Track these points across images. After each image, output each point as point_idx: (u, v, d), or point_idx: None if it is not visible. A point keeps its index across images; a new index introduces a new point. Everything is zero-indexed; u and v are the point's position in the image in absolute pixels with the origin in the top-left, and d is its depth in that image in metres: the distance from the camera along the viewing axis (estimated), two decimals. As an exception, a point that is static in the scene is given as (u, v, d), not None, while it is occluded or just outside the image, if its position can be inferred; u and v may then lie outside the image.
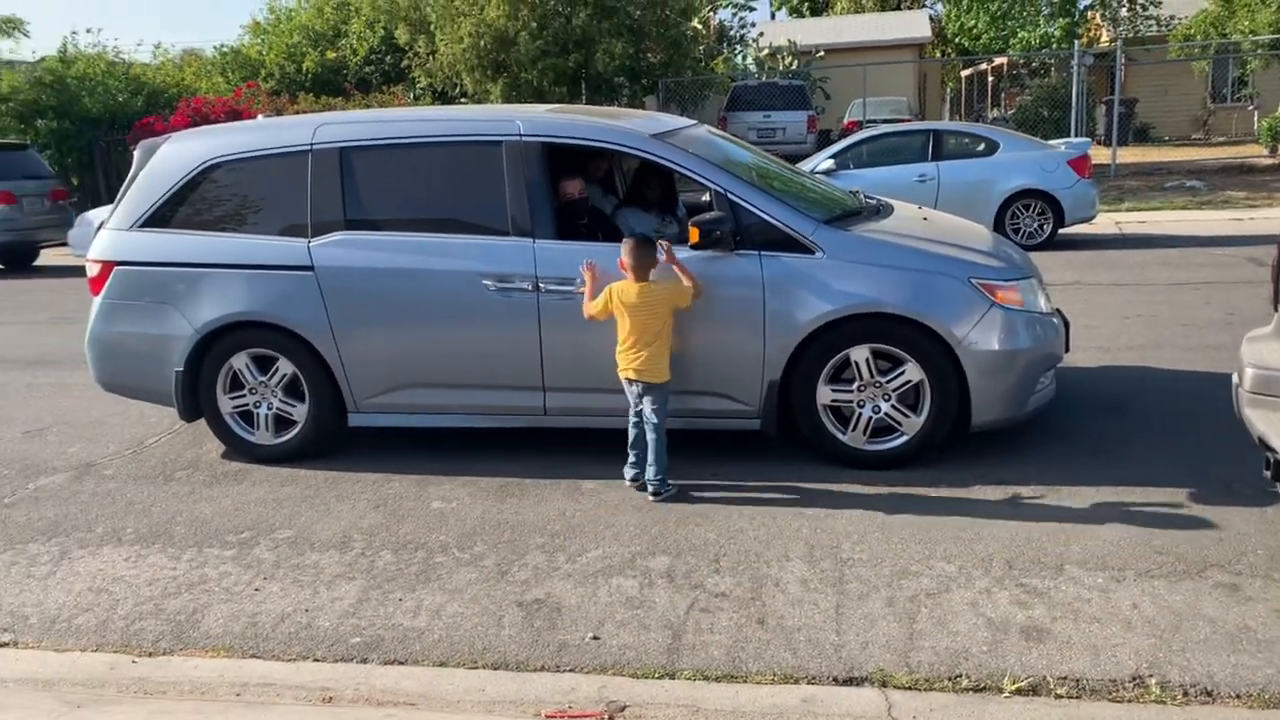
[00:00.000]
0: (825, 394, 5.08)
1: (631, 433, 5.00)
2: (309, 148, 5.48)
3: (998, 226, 11.81)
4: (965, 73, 35.42)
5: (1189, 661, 3.31)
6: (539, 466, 5.41)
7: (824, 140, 21.73)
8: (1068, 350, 5.50)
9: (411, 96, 25.07)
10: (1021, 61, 29.13)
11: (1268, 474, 3.93)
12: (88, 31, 44.07)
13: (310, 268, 5.39)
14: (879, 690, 3.27)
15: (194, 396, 5.67)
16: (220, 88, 27.34)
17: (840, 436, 5.13)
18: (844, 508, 4.69)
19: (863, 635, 3.59)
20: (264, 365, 5.61)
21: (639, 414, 4.95)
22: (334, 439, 5.71)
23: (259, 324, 5.51)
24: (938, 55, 37.47)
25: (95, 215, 14.10)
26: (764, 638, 3.61)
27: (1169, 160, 21.19)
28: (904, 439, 5.08)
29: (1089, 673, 3.28)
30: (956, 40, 33.17)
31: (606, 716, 3.21)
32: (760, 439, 5.28)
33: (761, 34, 31.10)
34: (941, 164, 12.49)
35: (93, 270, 5.78)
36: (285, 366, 5.54)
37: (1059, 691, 3.20)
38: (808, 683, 3.34)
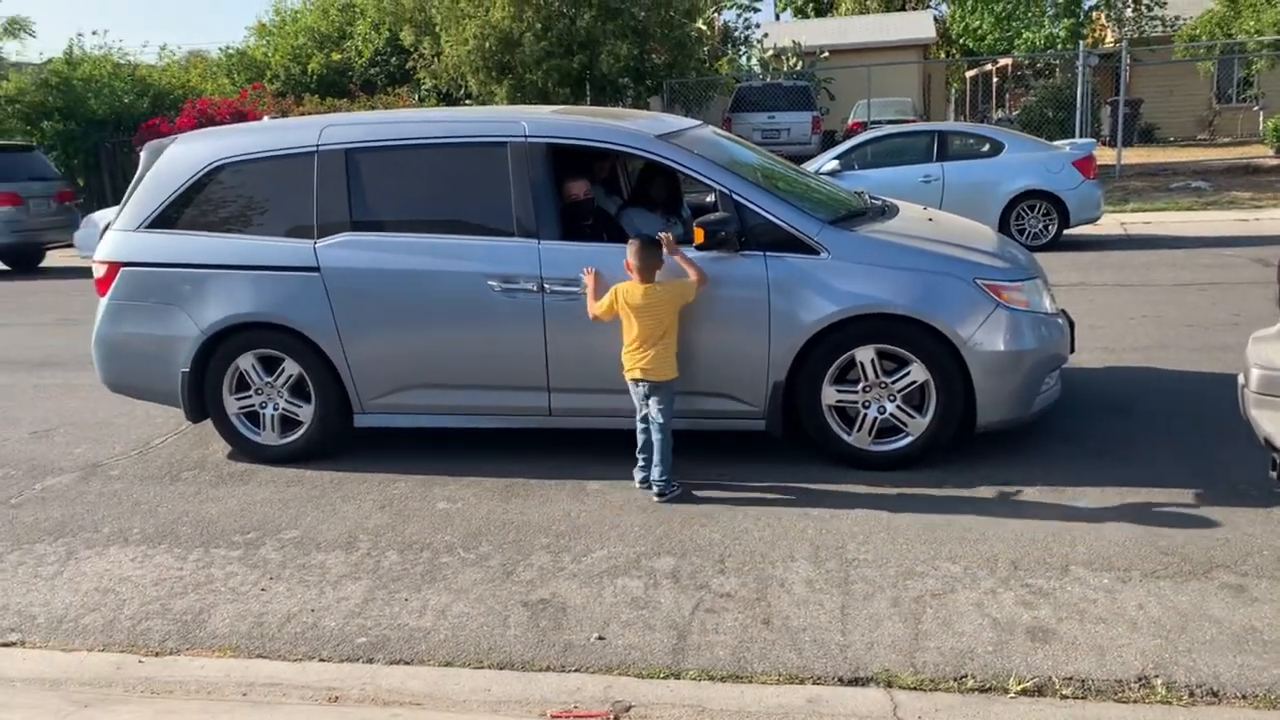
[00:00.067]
0: (830, 395, 5.08)
1: (640, 438, 5.01)
2: (314, 149, 5.49)
3: (1003, 227, 11.80)
4: (970, 73, 35.41)
5: (1195, 662, 3.30)
6: (544, 467, 5.41)
7: (828, 141, 21.72)
8: (1073, 351, 5.49)
9: (416, 98, 25.12)
10: (1026, 62, 29.12)
11: (1274, 474, 3.93)
12: (94, 33, 44.32)
13: (316, 269, 5.40)
14: (884, 690, 3.27)
15: (200, 397, 5.68)
16: (226, 89, 27.43)
17: (845, 437, 5.13)
18: (849, 508, 4.69)
19: (868, 635, 3.59)
20: (270, 366, 5.62)
21: (645, 417, 4.96)
22: (340, 440, 5.72)
23: (265, 325, 5.52)
24: (942, 56, 37.46)
25: (101, 217, 14.14)
26: (769, 638, 3.61)
27: (1174, 161, 21.16)
28: (909, 440, 5.08)
29: (1095, 673, 3.28)
30: (961, 41, 33.15)
31: (612, 716, 3.22)
32: (765, 440, 5.29)
33: (766, 35, 31.09)
34: (946, 165, 12.49)
35: (99, 271, 5.79)
36: (291, 367, 5.56)
37: (1064, 692, 3.19)
38: (813, 683, 3.34)
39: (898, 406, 5.05)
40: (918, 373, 4.97)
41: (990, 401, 4.99)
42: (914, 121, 22.10)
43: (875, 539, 4.35)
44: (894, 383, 5.01)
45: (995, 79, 32.00)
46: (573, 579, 4.15)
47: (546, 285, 5.16)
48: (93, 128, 22.59)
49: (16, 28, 27.82)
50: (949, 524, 4.46)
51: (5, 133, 22.22)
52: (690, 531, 4.53)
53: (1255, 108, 26.38)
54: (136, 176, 5.86)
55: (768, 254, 5.04)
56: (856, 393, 5.07)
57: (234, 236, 5.58)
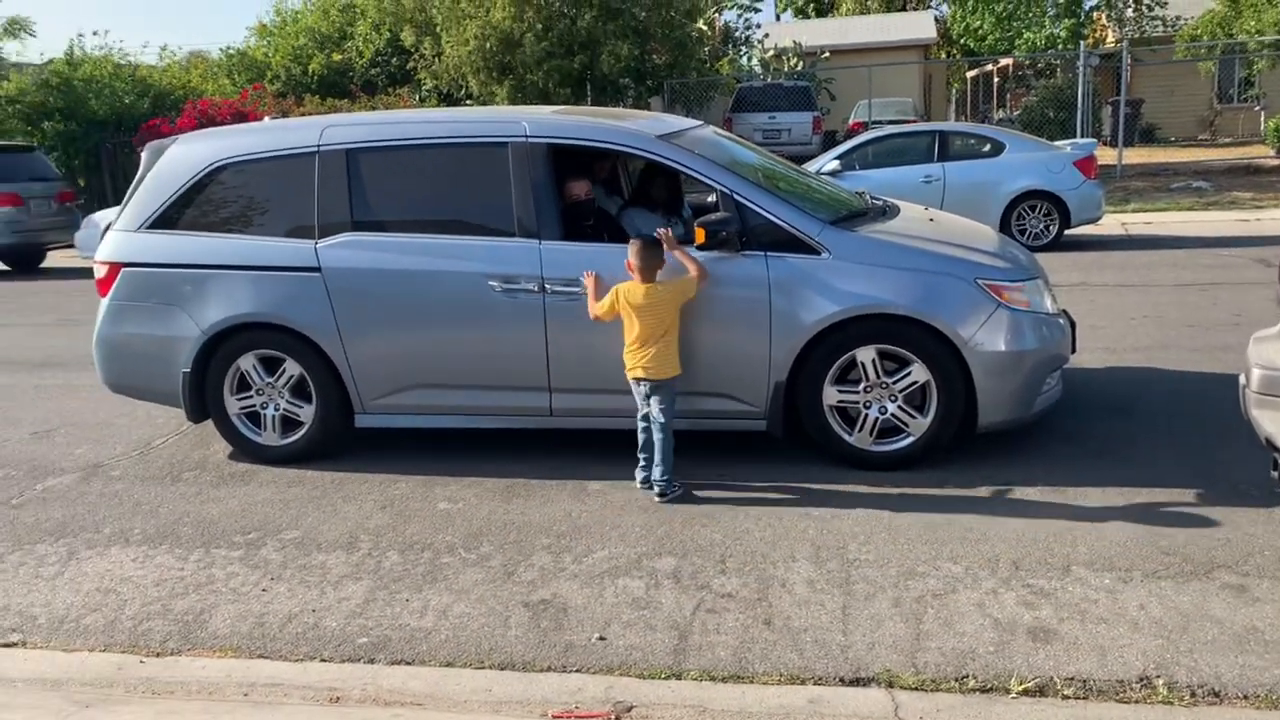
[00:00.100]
0: (831, 395, 5.08)
1: (641, 437, 5.01)
2: (316, 149, 5.49)
3: (1004, 227, 11.80)
4: (971, 74, 35.41)
5: (1196, 662, 3.30)
6: (545, 467, 5.41)
7: (829, 141, 21.73)
8: (1074, 351, 5.49)
9: (417, 98, 25.12)
10: (1027, 62, 29.13)
11: (1275, 474, 3.93)
12: (94, 34, 44.35)
13: (317, 269, 5.40)
14: (886, 691, 3.27)
15: (201, 398, 5.68)
16: (226, 90, 27.43)
17: (846, 437, 5.13)
18: (850, 508, 4.68)
19: (869, 636, 3.58)
20: (271, 366, 5.62)
21: (646, 417, 4.96)
22: (341, 440, 5.72)
23: (266, 325, 5.52)
24: (943, 56, 37.46)
25: (102, 217, 14.13)
26: (770, 638, 3.61)
27: (1175, 161, 21.15)
28: (910, 440, 5.08)
29: (1096, 674, 3.28)
30: (962, 41, 33.16)
31: (613, 717, 3.22)
32: (766, 440, 5.28)
33: (766, 35, 31.11)
34: (947, 165, 12.49)
35: (100, 272, 5.80)
36: (292, 368, 5.56)
37: (1066, 692, 3.19)
38: (814, 683, 3.34)
39: (899, 407, 5.05)
40: (919, 373, 4.97)
41: (991, 402, 4.99)
42: (915, 122, 22.10)
43: (876, 539, 4.35)
44: (895, 383, 5.01)
45: (996, 79, 32.00)
46: (574, 579, 4.15)
47: (548, 285, 5.16)
48: (93, 128, 22.60)
49: (17, 28, 27.84)
50: (950, 524, 4.46)
51: (6, 133, 22.24)
52: (691, 532, 4.53)
53: (1256, 108, 26.37)
54: (137, 177, 5.86)
55: (769, 254, 5.04)
56: (858, 393, 5.07)
57: (235, 237, 5.58)
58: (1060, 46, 26.64)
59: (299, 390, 5.62)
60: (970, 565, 4.07)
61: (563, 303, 5.15)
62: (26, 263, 16.24)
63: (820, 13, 45.93)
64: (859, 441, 5.12)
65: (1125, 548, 4.14)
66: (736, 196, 5.11)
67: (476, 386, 5.42)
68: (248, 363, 5.60)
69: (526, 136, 5.30)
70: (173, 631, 3.92)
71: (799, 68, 27.27)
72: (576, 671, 3.50)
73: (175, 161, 5.74)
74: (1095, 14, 29.69)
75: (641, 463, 5.02)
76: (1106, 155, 17.80)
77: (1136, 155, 21.49)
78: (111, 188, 22.06)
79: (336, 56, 29.15)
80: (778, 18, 45.35)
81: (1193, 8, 26.53)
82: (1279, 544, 4.08)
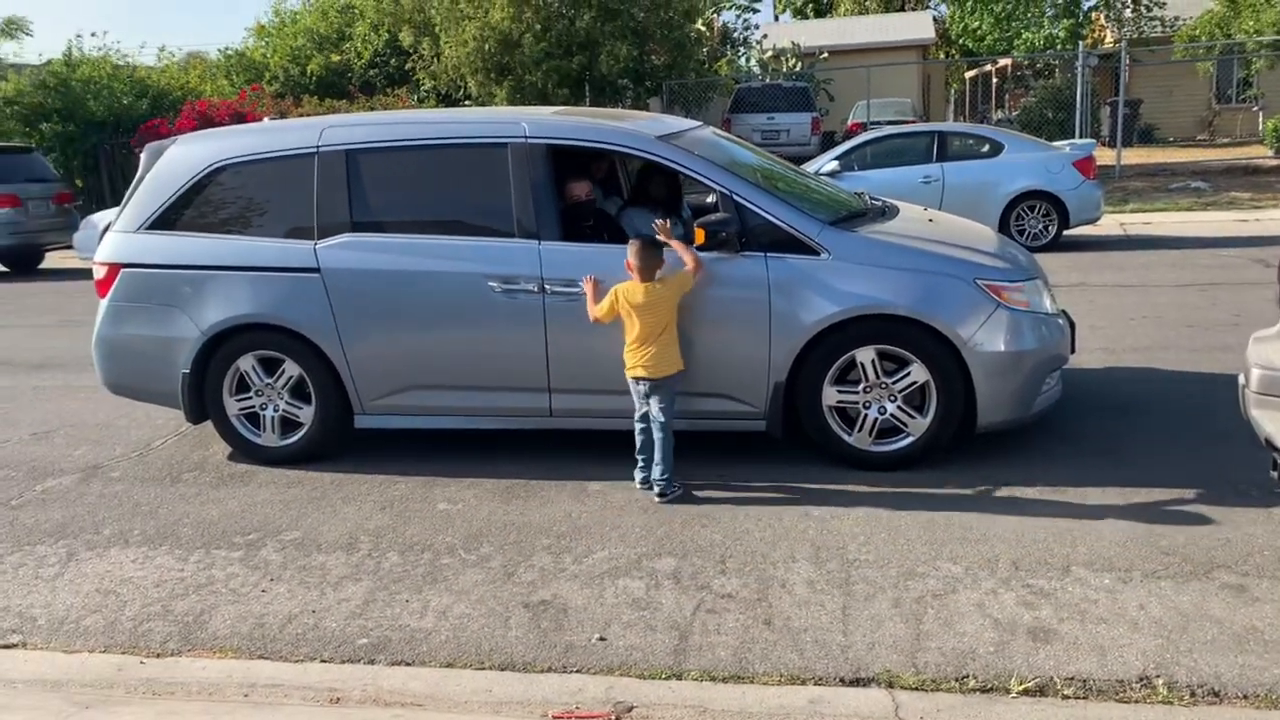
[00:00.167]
0: (831, 395, 5.08)
1: (639, 439, 5.01)
2: (315, 150, 5.49)
3: (1003, 228, 11.81)
4: (969, 74, 35.43)
5: (1196, 662, 3.31)
6: (545, 468, 5.42)
7: (828, 142, 21.74)
8: (1073, 351, 5.49)
9: (416, 99, 25.11)
10: (1026, 63, 29.14)
11: (1274, 474, 3.93)
12: (93, 35, 44.30)
13: (316, 270, 5.40)
14: (886, 691, 3.27)
15: (200, 399, 5.68)
16: (225, 90, 27.41)
17: (846, 438, 5.13)
18: (850, 509, 4.69)
19: (869, 636, 3.59)
20: (270, 367, 5.62)
21: (644, 417, 4.96)
22: (340, 441, 5.71)
23: (265, 326, 5.52)
24: (942, 57, 37.47)
25: (100, 218, 14.13)
26: (771, 639, 3.61)
27: (1174, 161, 21.16)
28: (910, 440, 5.08)
29: (1096, 673, 3.28)
30: (960, 41, 33.16)
31: (614, 717, 3.22)
32: (766, 440, 5.29)
33: (765, 36, 31.12)
34: (946, 165, 12.50)
35: (99, 273, 5.79)
36: (291, 369, 5.56)
37: (1066, 692, 3.20)
38: (815, 683, 3.34)
39: (898, 407, 5.05)
40: (918, 373, 4.98)
41: (991, 402, 4.99)
42: (913, 122, 22.10)
43: (876, 539, 4.35)
44: (894, 383, 5.02)
45: (995, 79, 32.02)
46: (574, 580, 4.15)
47: (547, 286, 5.16)
48: (92, 129, 22.58)
49: (14, 27, 27.82)
50: (950, 524, 4.46)
51: (4, 134, 22.22)
52: (691, 532, 4.53)
53: (1255, 108, 26.39)
54: (137, 178, 5.86)
55: (768, 255, 5.04)
56: (857, 393, 5.07)
57: (234, 238, 5.58)
58: (1059, 47, 26.65)
59: (298, 391, 5.62)
60: (970, 565, 4.07)
61: (562, 303, 5.15)
62: (25, 264, 16.23)
63: (819, 13, 45.96)
64: (858, 442, 5.12)
65: (1125, 548, 4.14)
66: (736, 197, 5.11)
67: (476, 387, 5.42)
68: (247, 364, 5.60)
69: (526, 137, 5.30)
70: (173, 632, 3.92)
71: (797, 68, 27.28)
72: (577, 672, 3.50)
73: (174, 162, 5.74)
74: (1094, 14, 29.70)
75: (640, 464, 5.02)
76: (1105, 156, 17.81)
77: (1135, 156, 21.50)
78: (110, 189, 22.05)
79: (335, 57, 29.14)
80: (776, 18, 45.37)
81: (1191, 8, 26.55)
82: (1279, 544, 4.09)
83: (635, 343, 4.85)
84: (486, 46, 20.03)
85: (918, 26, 34.42)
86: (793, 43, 28.65)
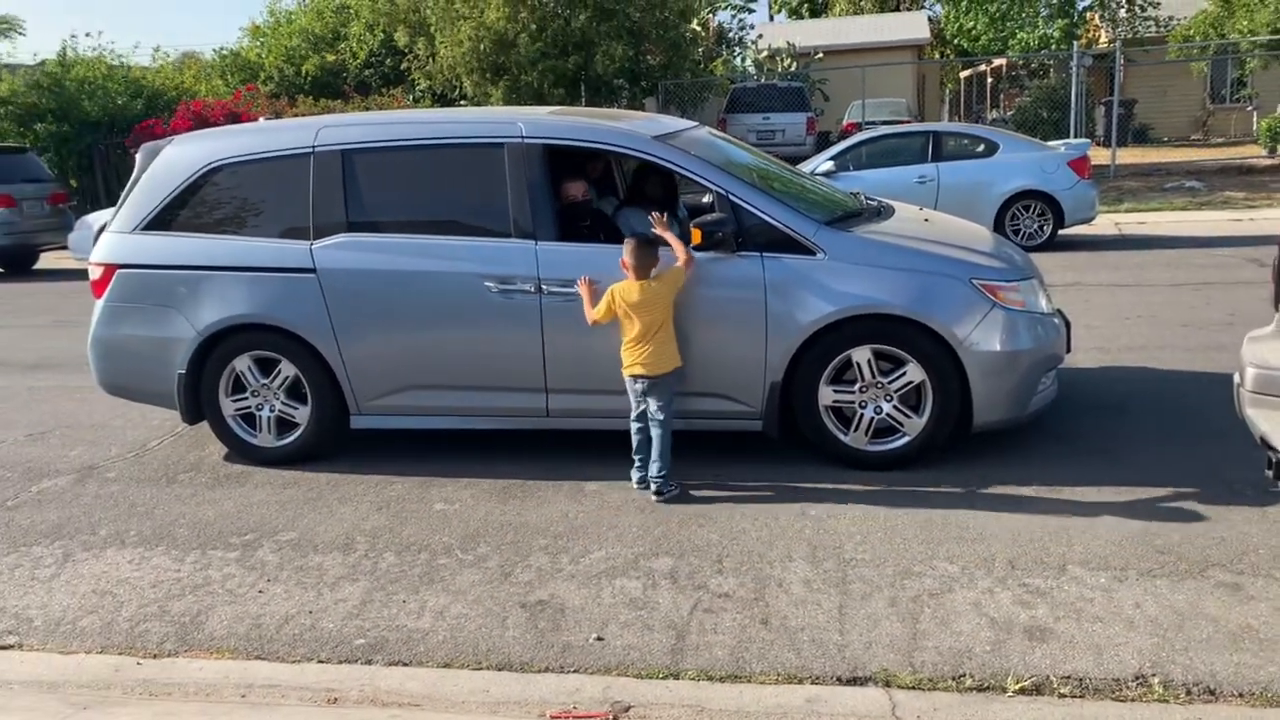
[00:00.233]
0: (827, 395, 5.09)
1: (635, 439, 5.02)
2: (310, 150, 5.49)
3: (998, 228, 11.83)
4: (964, 74, 35.48)
5: (1192, 660, 3.32)
6: (542, 468, 5.42)
7: (823, 142, 21.76)
8: (1069, 351, 5.51)
9: (411, 99, 25.08)
10: (1020, 63, 29.18)
11: (1269, 473, 3.93)
12: (87, 35, 44.19)
13: (312, 270, 5.40)
14: (883, 690, 3.28)
15: (196, 399, 5.67)
16: (219, 91, 27.35)
17: (842, 437, 5.14)
18: (846, 508, 4.69)
19: (866, 635, 3.59)
20: (266, 368, 5.61)
21: (641, 416, 4.97)
22: (336, 441, 5.71)
23: (261, 326, 5.52)
24: (937, 56, 37.50)
25: (95, 219, 14.10)
26: (768, 638, 3.61)
27: (1168, 161, 21.21)
28: (906, 440, 5.09)
29: (1092, 672, 3.29)
30: (955, 41, 33.20)
31: (611, 717, 3.22)
32: (762, 440, 5.29)
33: (760, 36, 31.13)
34: (941, 165, 12.51)
35: (95, 273, 5.79)
36: (287, 369, 5.55)
37: (1062, 691, 3.21)
38: (812, 682, 3.34)
39: (894, 407, 5.06)
40: (914, 373, 4.98)
41: (987, 401, 5.00)
42: (909, 122, 22.14)
43: (872, 539, 4.36)
44: (890, 383, 5.02)
45: (990, 79, 32.06)
46: (571, 580, 4.15)
47: (544, 286, 5.16)
48: (86, 129, 22.52)
49: (6, 26, 27.73)
50: (946, 523, 4.47)
51: (-2, 135, 22.20)
52: (688, 532, 4.54)
53: (1249, 108, 26.46)
54: (132, 178, 5.85)
55: (764, 255, 5.04)
56: (853, 393, 5.07)
57: (230, 238, 5.57)
58: (1053, 47, 26.70)
59: (294, 391, 5.61)
60: (966, 564, 4.08)
61: (559, 303, 5.15)
62: (19, 264, 16.19)
63: (814, 13, 45.98)
64: (854, 441, 5.13)
65: (1120, 546, 4.15)
66: (732, 197, 5.12)
67: (473, 387, 5.42)
68: (243, 364, 5.60)
69: (522, 137, 5.30)
70: (170, 633, 3.92)
71: (793, 68, 27.29)
72: (574, 672, 3.50)
73: (170, 163, 5.73)
74: (1088, 14, 29.75)
75: (637, 464, 5.03)
76: (1100, 155, 17.83)
77: (1130, 155, 21.53)
78: (104, 189, 22.00)
79: (330, 57, 29.08)
80: (771, 18, 45.38)
81: (1185, 8, 26.61)
82: (1273, 542, 4.10)
83: (632, 341, 4.86)
84: (482, 46, 20.01)
85: (913, 26, 34.45)
86: (788, 43, 28.66)
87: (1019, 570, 4.00)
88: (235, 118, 19.77)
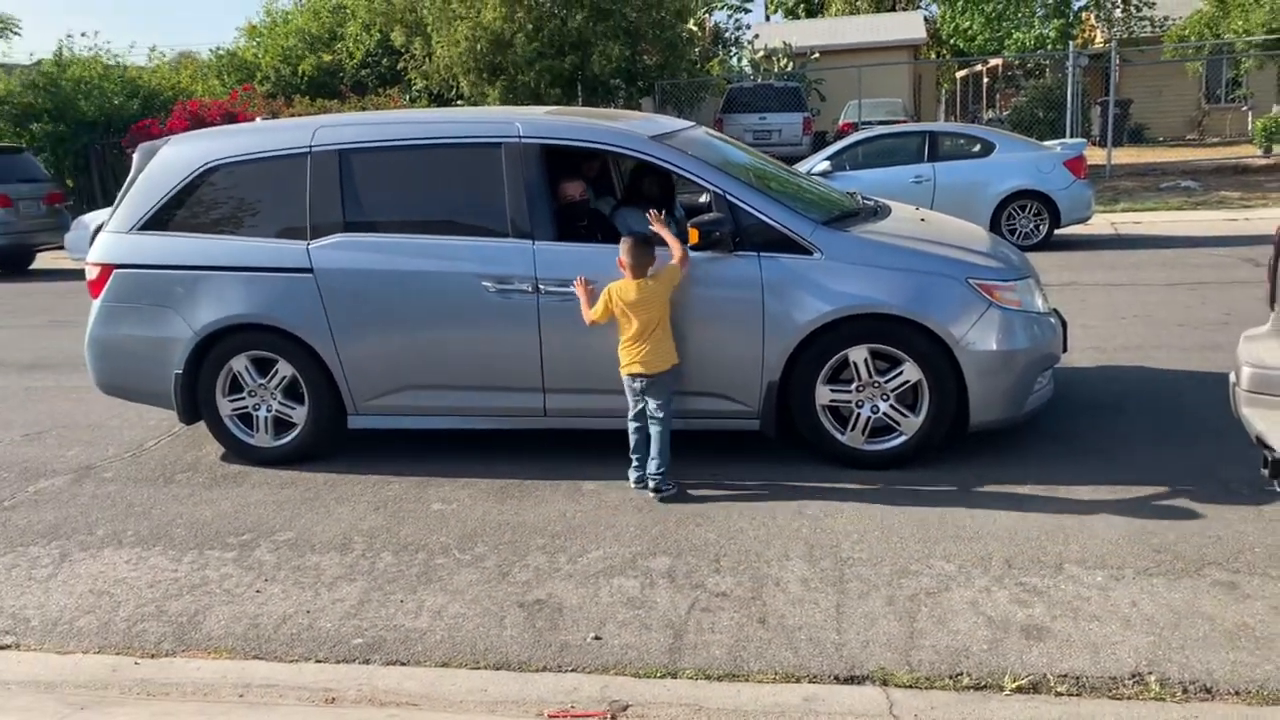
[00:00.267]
0: (824, 394, 5.10)
1: (633, 438, 5.02)
2: (308, 150, 5.48)
3: (994, 227, 11.83)
4: (960, 74, 35.55)
5: (1188, 659, 3.33)
6: (539, 468, 5.42)
7: (819, 142, 21.79)
8: (1065, 350, 5.51)
9: (408, 99, 25.07)
10: (1016, 63, 29.24)
11: (1265, 472, 3.94)
12: (83, 35, 44.02)
13: (309, 270, 5.39)
14: (880, 688, 3.28)
15: (193, 399, 5.67)
16: (216, 90, 27.32)
17: (839, 437, 5.15)
18: (843, 507, 4.70)
19: (863, 634, 3.60)
20: (263, 368, 5.61)
21: (638, 416, 4.97)
22: (333, 441, 5.71)
23: (258, 326, 5.51)
24: (933, 56, 37.55)
25: (91, 218, 14.09)
26: (765, 637, 3.62)
27: (1164, 161, 21.25)
28: (903, 439, 5.10)
29: (1089, 670, 3.30)
30: (951, 41, 33.28)
31: (609, 716, 3.22)
32: (759, 439, 5.30)
33: (757, 36, 31.18)
34: (937, 165, 12.52)
35: (92, 273, 5.78)
36: (284, 369, 5.55)
37: (1059, 689, 3.21)
38: (809, 681, 3.35)
39: (891, 406, 5.06)
40: (911, 372, 4.99)
41: (983, 401, 5.01)
42: (905, 122, 22.17)
43: (869, 538, 4.37)
44: (887, 382, 5.03)
45: (986, 79, 32.12)
46: (569, 579, 4.15)
47: (541, 286, 5.16)
48: (82, 129, 22.49)
49: (2, 26, 27.66)
50: (943, 522, 4.48)
51: (-6, 134, 22.15)
52: (685, 531, 4.54)
53: (1244, 108, 26.52)
54: (129, 178, 5.85)
55: (761, 254, 5.05)
56: (850, 392, 5.08)
57: (227, 238, 5.57)
58: (1049, 47, 26.77)
59: (291, 391, 5.61)
60: (963, 563, 4.08)
61: (557, 303, 5.15)
62: (16, 264, 16.17)
63: (810, 13, 46.05)
64: (851, 441, 5.14)
65: (1117, 545, 4.16)
66: (729, 197, 5.12)
67: (470, 387, 5.42)
68: (240, 364, 5.59)
69: (520, 137, 5.30)
70: (167, 633, 3.91)
71: (789, 68, 27.33)
72: (572, 671, 3.50)
73: (167, 163, 5.72)
74: (1084, 14, 29.81)
75: (634, 463, 5.03)
76: (1095, 155, 17.85)
77: (1125, 155, 21.58)
78: (101, 189, 21.96)
79: (326, 57, 29.05)
80: (768, 18, 45.45)
81: (1181, 8, 26.67)
82: (1269, 541, 4.11)
83: (630, 340, 4.87)
84: (478, 46, 20.01)
85: (909, 26, 34.51)
86: (784, 43, 28.69)
87: (1016, 569, 4.01)
88: (232, 118, 19.75)
